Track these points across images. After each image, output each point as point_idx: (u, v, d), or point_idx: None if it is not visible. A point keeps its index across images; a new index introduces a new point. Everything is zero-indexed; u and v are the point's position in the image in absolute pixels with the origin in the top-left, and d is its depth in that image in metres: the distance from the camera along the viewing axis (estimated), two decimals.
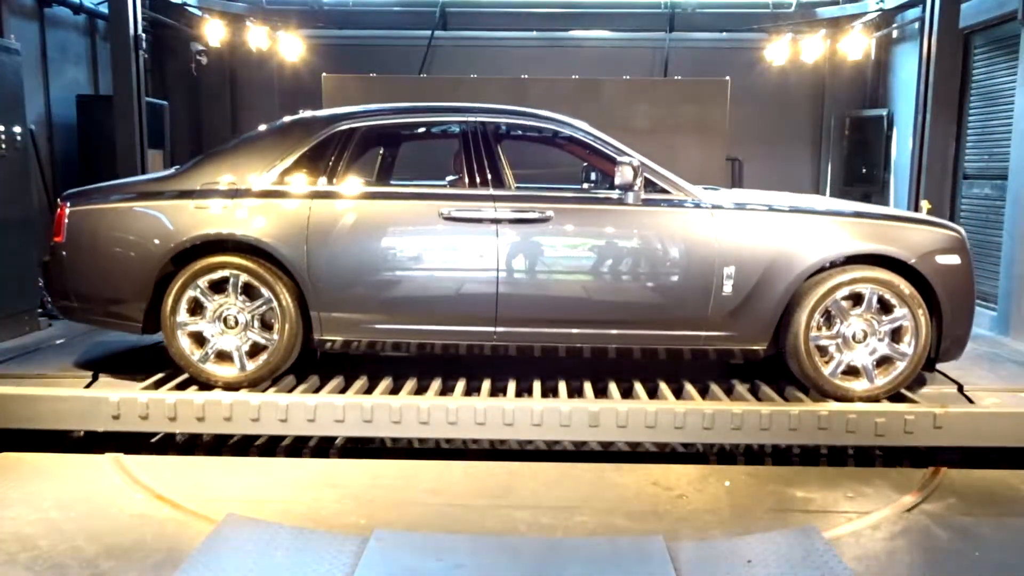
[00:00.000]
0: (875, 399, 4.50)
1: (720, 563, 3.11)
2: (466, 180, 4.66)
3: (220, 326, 4.54)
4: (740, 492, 3.91)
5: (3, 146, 6.00)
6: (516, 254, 4.52)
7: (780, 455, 4.59)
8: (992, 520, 3.64)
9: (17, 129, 6.15)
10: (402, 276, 4.54)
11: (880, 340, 4.51)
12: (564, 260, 4.59)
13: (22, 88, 6.27)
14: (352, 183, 4.71)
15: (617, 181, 4.45)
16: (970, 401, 4.60)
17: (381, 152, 5.79)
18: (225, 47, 10.12)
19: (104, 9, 8.46)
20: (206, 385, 4.53)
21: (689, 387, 4.68)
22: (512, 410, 4.23)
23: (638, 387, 4.65)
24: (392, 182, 5.67)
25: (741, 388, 4.75)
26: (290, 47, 10.19)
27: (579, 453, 4.61)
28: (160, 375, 4.69)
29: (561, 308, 4.58)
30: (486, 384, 4.69)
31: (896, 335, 4.51)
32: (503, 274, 4.50)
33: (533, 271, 4.55)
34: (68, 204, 4.76)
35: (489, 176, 4.62)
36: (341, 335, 4.60)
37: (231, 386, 4.51)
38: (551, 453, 4.64)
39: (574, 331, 4.60)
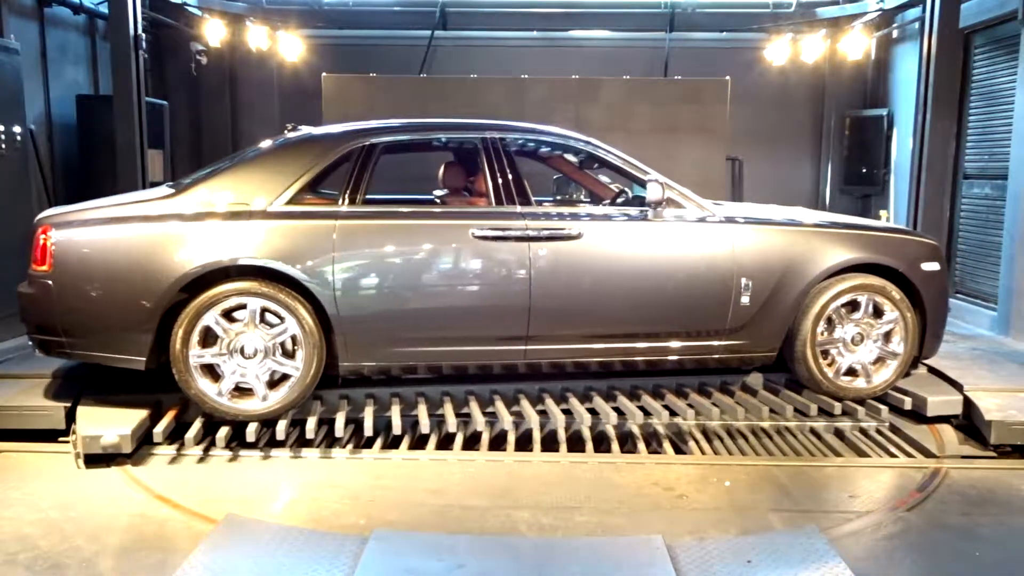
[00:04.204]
0: (874, 396, 4.80)
1: (720, 563, 3.10)
2: (492, 199, 4.63)
3: (238, 357, 4.26)
4: (740, 492, 3.91)
5: (3, 146, 6.00)
6: (548, 271, 4.52)
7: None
8: (992, 520, 3.64)
9: (17, 129, 6.15)
10: (434, 296, 4.49)
11: (875, 342, 4.80)
12: (594, 276, 4.58)
13: (22, 88, 6.27)
14: (379, 202, 4.61)
15: (649, 199, 4.56)
16: (971, 403, 4.64)
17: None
18: (225, 47, 10.13)
19: (104, 9, 8.46)
20: (223, 420, 4.32)
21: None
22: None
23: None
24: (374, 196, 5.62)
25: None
26: (290, 47, 10.20)
27: (579, 453, 4.60)
28: (147, 412, 4.34)
29: (591, 323, 4.63)
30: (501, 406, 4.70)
31: (886, 337, 4.80)
32: (535, 291, 4.49)
33: (564, 288, 4.55)
34: (52, 228, 4.26)
35: (516, 194, 4.62)
36: (370, 360, 4.50)
37: (252, 420, 4.33)
38: (551, 453, 4.62)
39: (602, 345, 4.67)
